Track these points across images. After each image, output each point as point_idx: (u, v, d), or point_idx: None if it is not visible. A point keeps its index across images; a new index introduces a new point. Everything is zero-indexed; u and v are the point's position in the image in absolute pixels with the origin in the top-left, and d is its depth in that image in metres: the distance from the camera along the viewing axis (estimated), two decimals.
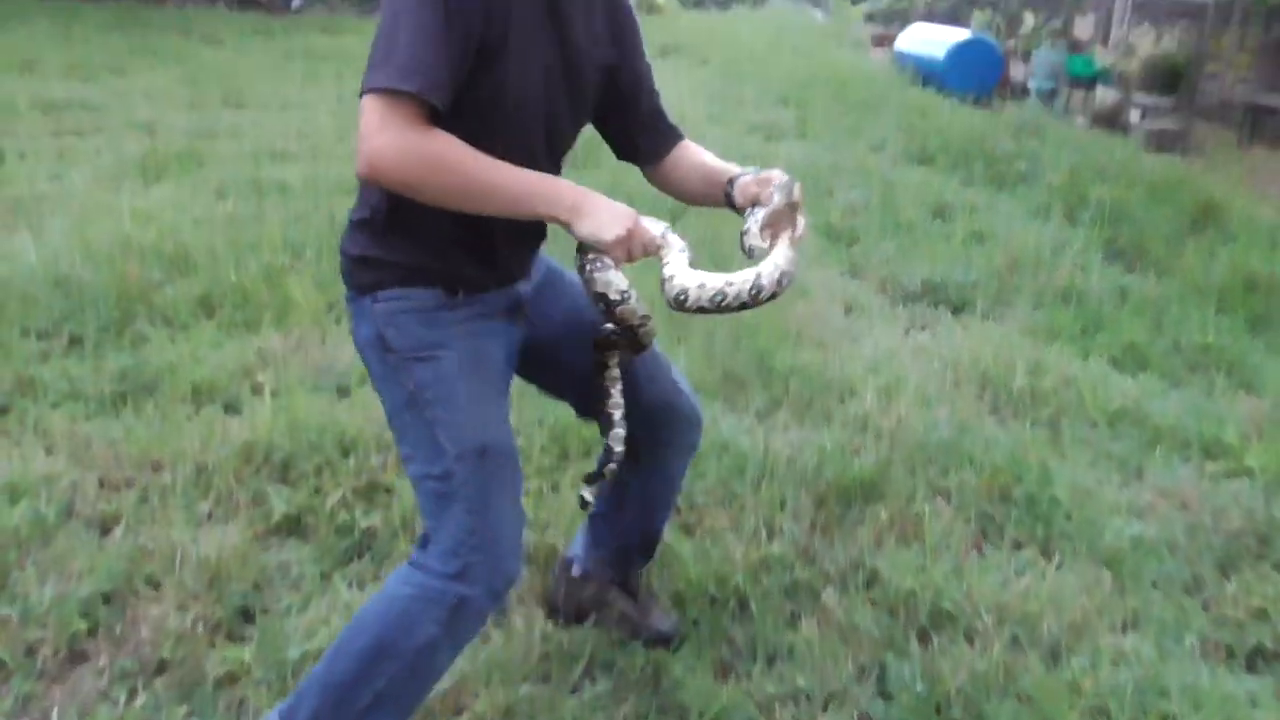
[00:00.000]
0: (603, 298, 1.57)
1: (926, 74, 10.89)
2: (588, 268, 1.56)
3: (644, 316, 1.62)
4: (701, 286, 1.51)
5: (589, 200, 1.51)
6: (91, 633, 2.07)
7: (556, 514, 2.50)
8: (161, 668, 2.00)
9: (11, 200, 4.76)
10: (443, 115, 1.44)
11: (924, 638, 2.20)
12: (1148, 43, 10.91)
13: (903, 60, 11.83)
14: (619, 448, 1.79)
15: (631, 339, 1.67)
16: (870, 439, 2.99)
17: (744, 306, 1.51)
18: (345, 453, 2.72)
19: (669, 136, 1.85)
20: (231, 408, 3.05)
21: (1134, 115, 10.12)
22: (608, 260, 1.54)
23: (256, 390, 3.13)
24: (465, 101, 1.48)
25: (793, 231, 1.58)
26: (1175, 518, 2.72)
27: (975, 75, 10.65)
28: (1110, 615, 2.30)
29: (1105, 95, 10.59)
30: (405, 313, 1.62)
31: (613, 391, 1.79)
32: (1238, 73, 11.96)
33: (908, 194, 5.95)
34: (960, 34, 11.52)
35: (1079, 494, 2.77)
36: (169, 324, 3.56)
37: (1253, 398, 3.55)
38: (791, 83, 9.99)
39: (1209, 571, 2.50)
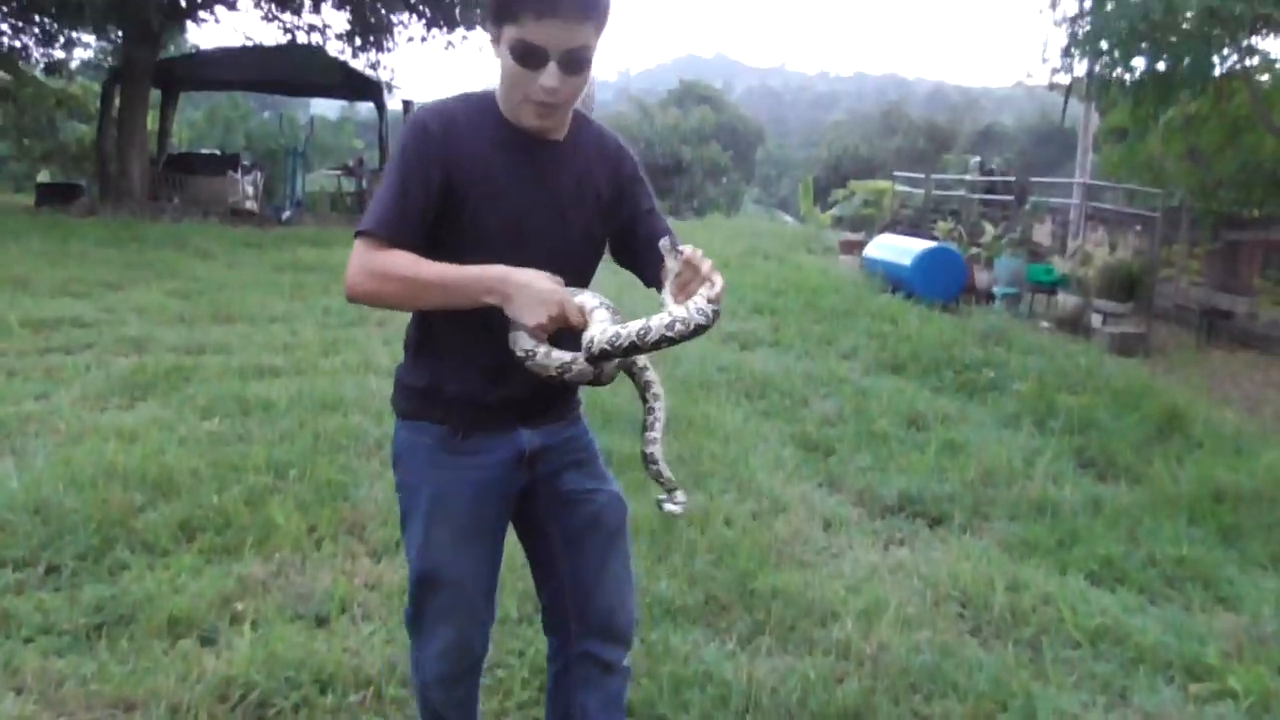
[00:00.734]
0: (515, 353, 1.81)
1: (894, 280, 11.32)
2: (509, 327, 1.80)
3: (560, 368, 1.80)
4: (603, 332, 1.73)
5: (516, 288, 1.75)
6: None
7: None
8: None
9: None
10: (410, 244, 1.77)
11: None
12: (1103, 251, 11.44)
13: (871, 266, 12.31)
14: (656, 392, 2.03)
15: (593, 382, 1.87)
16: (853, 665, 2.98)
17: (634, 348, 1.72)
18: (323, 690, 2.69)
19: None
20: (209, 640, 3.01)
21: (1095, 319, 10.51)
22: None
23: (236, 619, 3.10)
24: (452, 235, 1.82)
25: (710, 289, 1.71)
26: None
27: (941, 282, 11.07)
28: None
29: (1066, 301, 11.01)
30: (412, 445, 1.97)
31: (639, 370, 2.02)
32: (1190, 277, 12.52)
33: (881, 403, 6.10)
34: (925, 243, 12.04)
35: None
36: (149, 550, 3.55)
37: (1231, 614, 3.57)
38: (765, 290, 10.33)
39: None
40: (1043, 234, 13.94)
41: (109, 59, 19.26)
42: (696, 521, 3.97)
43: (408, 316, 1.99)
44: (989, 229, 12.98)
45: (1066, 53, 9.62)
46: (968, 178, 16.14)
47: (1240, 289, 11.88)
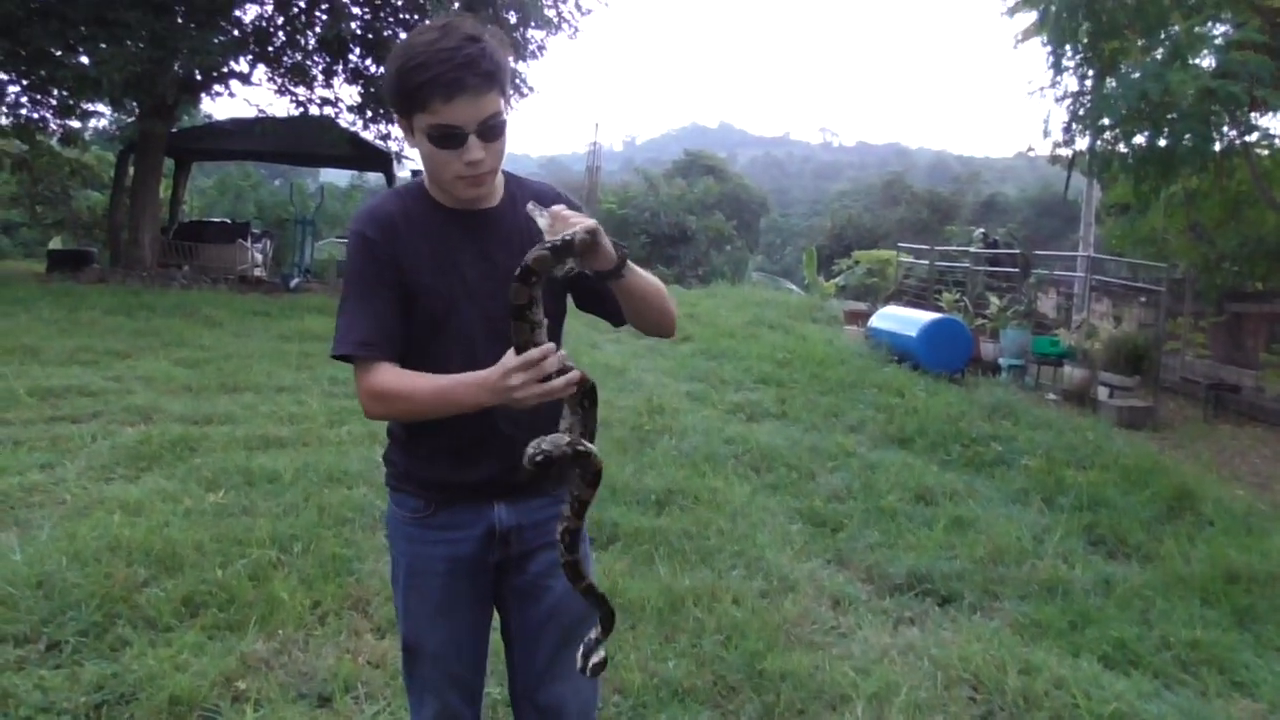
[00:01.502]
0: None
1: (900, 351, 11.33)
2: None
3: (569, 443, 1.68)
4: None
5: (481, 392, 1.71)
6: None
7: None
8: None
9: (1, 494, 4.79)
10: (392, 350, 1.83)
11: None
12: (1108, 324, 11.46)
13: (877, 337, 12.33)
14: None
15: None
16: None
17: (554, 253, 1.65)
18: None
19: None
20: None
21: (1102, 392, 10.49)
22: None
23: (237, 699, 3.06)
24: (414, 325, 1.86)
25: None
26: None
27: (946, 353, 11.07)
28: None
29: (1073, 373, 11.01)
30: (393, 517, 2.04)
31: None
32: (1196, 350, 12.54)
33: (889, 478, 6.07)
34: (931, 314, 12.08)
35: None
36: (151, 626, 3.52)
37: (1248, 700, 3.51)
38: (771, 361, 10.34)
39: None
40: (1047, 306, 13.99)
41: (121, 127, 19.56)
42: (704, 600, 3.92)
43: None
44: (994, 300, 13.02)
45: (1068, 129, 9.74)
46: (972, 249, 16.24)
47: (1246, 362, 11.89)
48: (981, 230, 18.34)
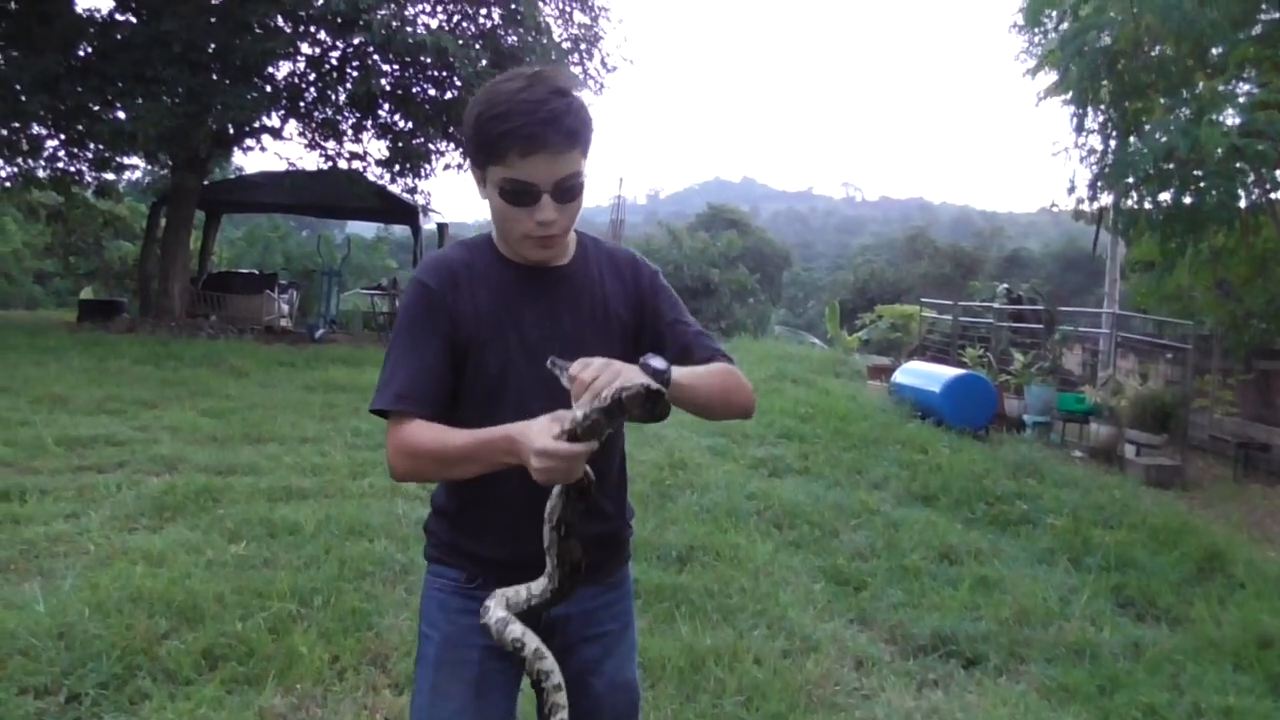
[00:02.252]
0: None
1: (924, 407, 11.27)
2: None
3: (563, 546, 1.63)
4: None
5: (517, 443, 1.56)
6: None
7: None
8: None
9: (27, 543, 4.82)
10: (431, 409, 1.73)
11: None
12: (1134, 381, 11.37)
13: (900, 392, 12.27)
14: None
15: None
16: None
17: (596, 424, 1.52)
18: None
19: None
20: None
21: (1129, 450, 10.38)
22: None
23: None
24: (466, 386, 1.78)
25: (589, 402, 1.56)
26: None
27: (970, 409, 10.99)
28: None
29: (1099, 430, 10.90)
30: (433, 589, 1.90)
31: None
32: (1224, 408, 12.40)
33: (912, 536, 6.01)
34: (954, 370, 12.03)
35: None
36: (171, 679, 3.51)
37: None
38: (794, 416, 10.30)
39: None
40: (1073, 362, 13.90)
41: (154, 180, 19.94)
42: (725, 660, 3.88)
43: None
44: (1018, 356, 12.95)
45: (1093, 186, 9.75)
46: (995, 304, 16.19)
47: (1276, 420, 11.74)
48: (1005, 285, 18.26)
